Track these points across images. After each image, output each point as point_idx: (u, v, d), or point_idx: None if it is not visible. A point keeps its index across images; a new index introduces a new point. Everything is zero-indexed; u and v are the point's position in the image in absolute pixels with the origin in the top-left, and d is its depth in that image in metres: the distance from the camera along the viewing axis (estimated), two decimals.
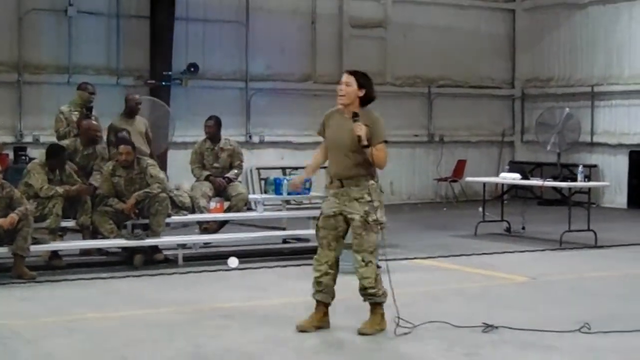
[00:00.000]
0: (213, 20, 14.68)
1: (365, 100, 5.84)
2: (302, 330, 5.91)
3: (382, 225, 5.81)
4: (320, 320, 5.95)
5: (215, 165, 9.77)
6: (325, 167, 6.10)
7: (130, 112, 9.87)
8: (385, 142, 5.83)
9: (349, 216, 5.79)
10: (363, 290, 5.87)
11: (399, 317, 5.90)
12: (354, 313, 6.17)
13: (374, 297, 5.87)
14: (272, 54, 15.16)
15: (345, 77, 5.83)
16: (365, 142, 5.67)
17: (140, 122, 9.98)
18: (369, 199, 5.75)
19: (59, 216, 8.37)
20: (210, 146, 9.82)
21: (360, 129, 5.67)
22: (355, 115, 5.73)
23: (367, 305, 5.96)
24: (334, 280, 5.95)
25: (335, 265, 5.93)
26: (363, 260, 5.78)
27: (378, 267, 5.86)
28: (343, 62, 15.72)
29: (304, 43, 15.60)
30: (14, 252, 7.92)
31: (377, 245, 5.81)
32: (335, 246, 5.90)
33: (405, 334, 5.84)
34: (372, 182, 5.80)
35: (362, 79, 5.84)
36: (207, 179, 9.64)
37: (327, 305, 5.98)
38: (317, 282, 5.91)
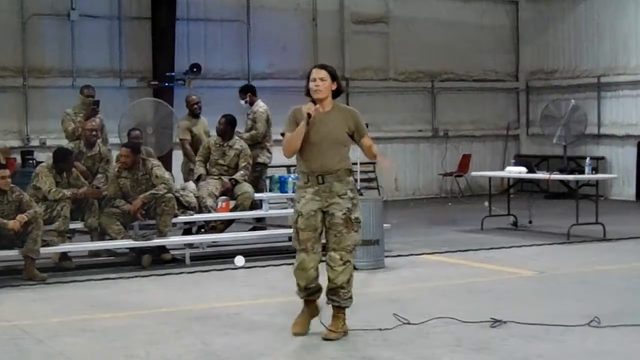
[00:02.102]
0: (214, 20, 14.69)
1: (336, 93, 5.81)
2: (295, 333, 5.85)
3: (360, 225, 5.64)
4: (313, 313, 5.84)
5: (220, 162, 9.76)
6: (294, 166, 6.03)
7: (190, 112, 10.28)
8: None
9: (331, 212, 5.56)
10: (334, 290, 5.61)
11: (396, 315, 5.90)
12: (355, 311, 6.16)
13: (344, 301, 5.64)
14: (274, 52, 15.15)
15: (320, 73, 5.74)
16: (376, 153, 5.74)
17: (204, 122, 10.43)
18: (351, 195, 5.60)
19: (67, 218, 8.42)
20: (220, 142, 9.82)
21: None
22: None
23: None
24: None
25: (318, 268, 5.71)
26: (341, 259, 5.55)
27: (355, 268, 5.67)
28: (345, 59, 15.71)
29: (306, 40, 15.59)
30: (25, 254, 8.00)
31: (356, 246, 5.64)
32: (317, 249, 5.62)
33: (405, 323, 5.87)
34: (351, 178, 5.68)
35: (334, 72, 5.82)
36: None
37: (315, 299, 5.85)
38: (305, 288, 5.69)
